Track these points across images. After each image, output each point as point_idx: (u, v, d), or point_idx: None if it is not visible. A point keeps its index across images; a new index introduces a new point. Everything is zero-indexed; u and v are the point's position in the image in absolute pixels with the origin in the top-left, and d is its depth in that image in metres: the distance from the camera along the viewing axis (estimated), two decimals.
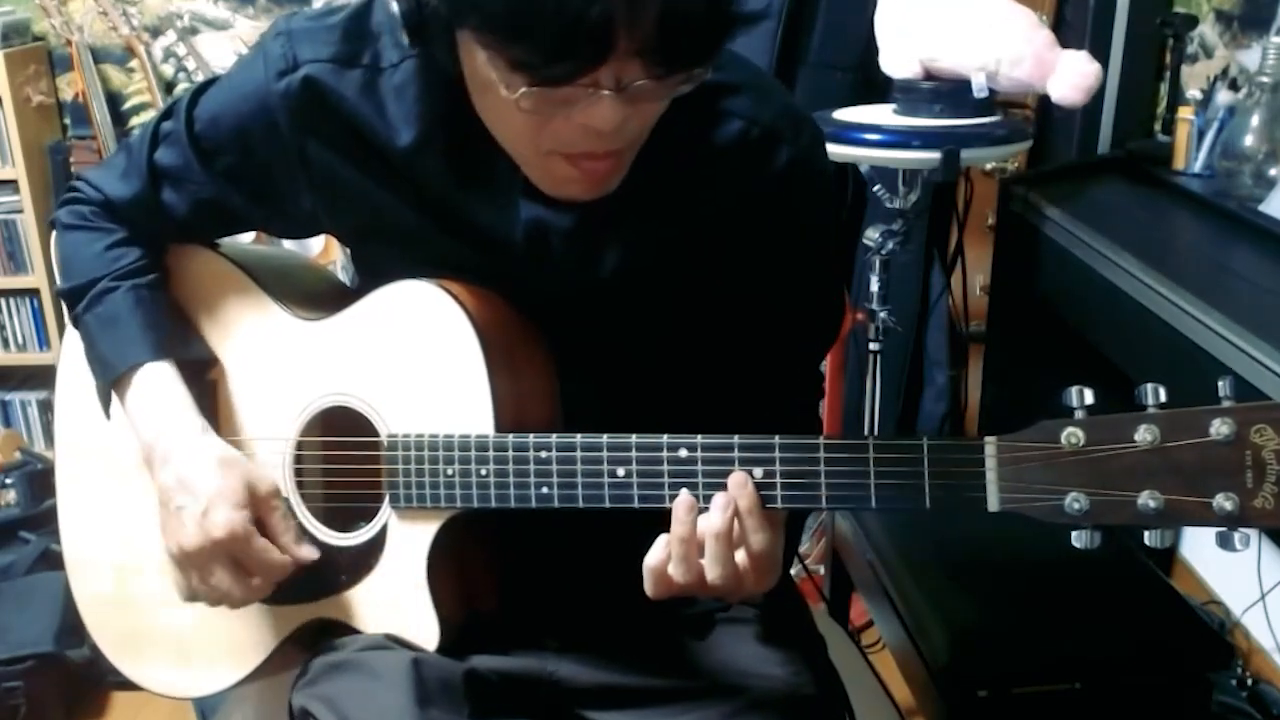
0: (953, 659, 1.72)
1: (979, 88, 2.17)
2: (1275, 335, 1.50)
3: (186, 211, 1.26)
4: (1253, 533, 0.92)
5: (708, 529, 1.03)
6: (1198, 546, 2.67)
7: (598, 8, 0.89)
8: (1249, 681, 2.37)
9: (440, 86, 1.12)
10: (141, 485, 1.32)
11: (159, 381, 1.24)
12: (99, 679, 2.57)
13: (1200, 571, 2.66)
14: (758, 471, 1.04)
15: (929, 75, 2.18)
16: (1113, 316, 1.93)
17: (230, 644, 1.30)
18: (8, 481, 2.92)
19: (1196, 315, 1.65)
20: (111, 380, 1.26)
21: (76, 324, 1.30)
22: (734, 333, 1.22)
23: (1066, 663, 1.70)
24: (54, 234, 1.34)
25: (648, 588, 1.08)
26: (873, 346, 2.43)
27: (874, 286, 2.38)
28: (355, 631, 1.22)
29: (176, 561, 1.20)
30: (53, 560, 2.71)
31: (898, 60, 2.18)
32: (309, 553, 1.20)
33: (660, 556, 1.06)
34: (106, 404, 1.29)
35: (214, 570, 1.17)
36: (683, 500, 1.05)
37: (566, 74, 0.94)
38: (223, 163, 1.22)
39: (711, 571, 1.04)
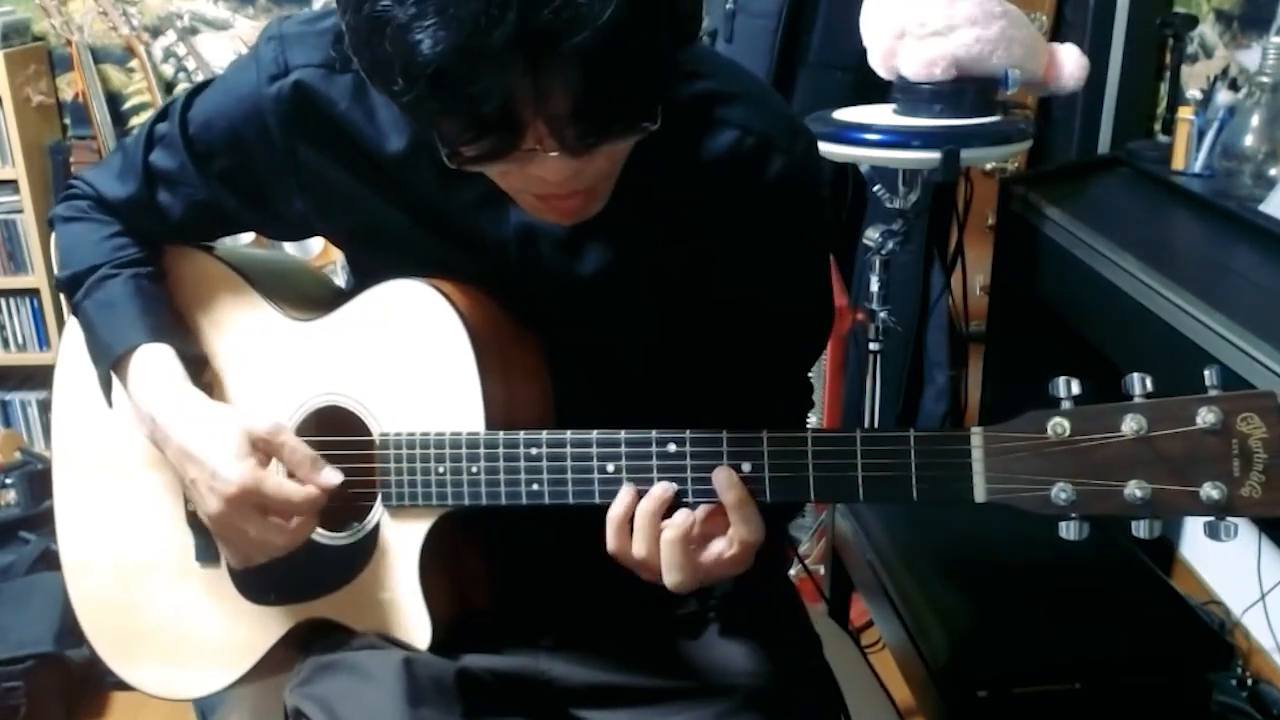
0: (953, 659, 1.71)
1: (1015, 83, 2.19)
2: (1275, 336, 1.50)
3: (182, 213, 1.26)
4: (1241, 522, 0.92)
5: (664, 537, 1.05)
6: (1198, 546, 2.66)
7: (494, 100, 0.87)
8: (1249, 681, 2.37)
9: None
10: (140, 485, 1.32)
11: (155, 362, 1.24)
12: (99, 679, 2.57)
13: (1200, 571, 2.66)
14: (745, 466, 1.04)
15: (959, 76, 2.18)
16: (1112, 316, 1.92)
17: (225, 645, 1.30)
18: (8, 481, 2.93)
19: (1196, 315, 1.65)
20: (111, 362, 1.25)
21: (76, 311, 1.30)
22: (725, 337, 1.22)
23: (1066, 663, 1.70)
24: (53, 229, 1.34)
25: (609, 541, 1.08)
26: (873, 346, 2.42)
27: (874, 286, 2.37)
28: (349, 631, 1.21)
29: (213, 531, 1.20)
30: (53, 560, 2.70)
31: (923, 61, 2.16)
32: (331, 477, 1.17)
33: (625, 504, 1.08)
34: (108, 390, 1.29)
35: (246, 526, 1.16)
36: (658, 487, 1.06)
37: (487, 153, 0.92)
38: (217, 165, 1.22)
39: (669, 576, 1.06)
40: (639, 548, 1.06)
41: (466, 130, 0.90)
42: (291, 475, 1.17)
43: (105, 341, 1.26)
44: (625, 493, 1.07)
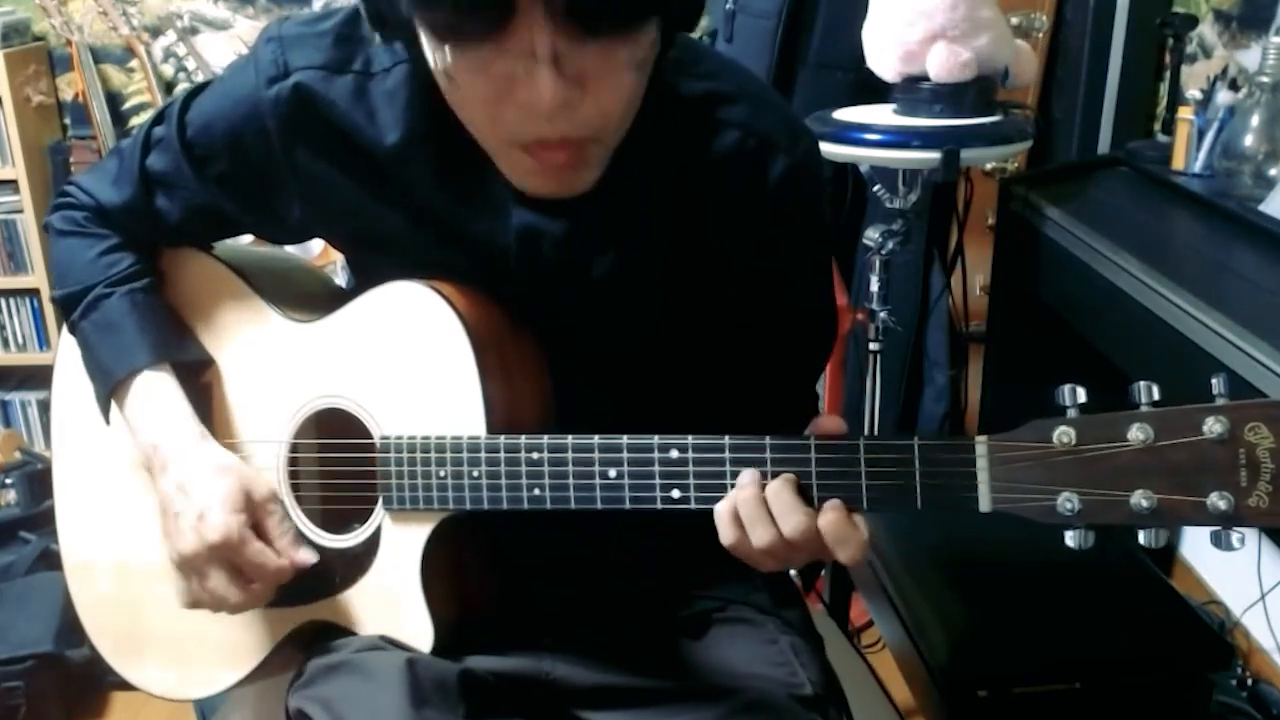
0: (953, 659, 1.72)
1: (1012, 80, 2.23)
2: (1276, 335, 1.50)
3: (179, 217, 1.26)
4: (1249, 532, 0.91)
5: (774, 483, 1.02)
6: (1198, 547, 2.67)
7: None
8: (1249, 681, 2.37)
9: (431, 94, 1.12)
10: (140, 486, 1.32)
11: (157, 388, 1.24)
12: (99, 679, 2.58)
13: (1200, 571, 2.66)
14: (761, 479, 1.03)
15: (977, 75, 2.20)
16: (1113, 316, 1.92)
17: (227, 646, 1.30)
18: (8, 481, 2.93)
19: (1197, 315, 1.65)
20: (110, 387, 1.26)
21: (73, 331, 1.30)
22: (727, 340, 1.22)
23: (1066, 663, 1.70)
24: (49, 237, 1.34)
25: (722, 535, 1.04)
26: (873, 346, 2.42)
27: (874, 286, 2.37)
28: (351, 633, 1.21)
29: (177, 567, 1.20)
30: (53, 560, 2.71)
31: (958, 64, 2.16)
32: (306, 556, 1.20)
33: (729, 503, 1.04)
34: (106, 410, 1.29)
35: (210, 574, 1.17)
36: (749, 473, 1.03)
37: (477, 29, 0.92)
38: (215, 169, 1.21)
39: (789, 522, 1.01)
40: (755, 535, 1.03)
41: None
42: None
43: (105, 365, 1.26)
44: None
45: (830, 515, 1.00)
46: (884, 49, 2.24)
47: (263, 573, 1.17)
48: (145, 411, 1.24)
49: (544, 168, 1.04)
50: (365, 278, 1.24)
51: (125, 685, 1.38)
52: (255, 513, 1.18)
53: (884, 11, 2.25)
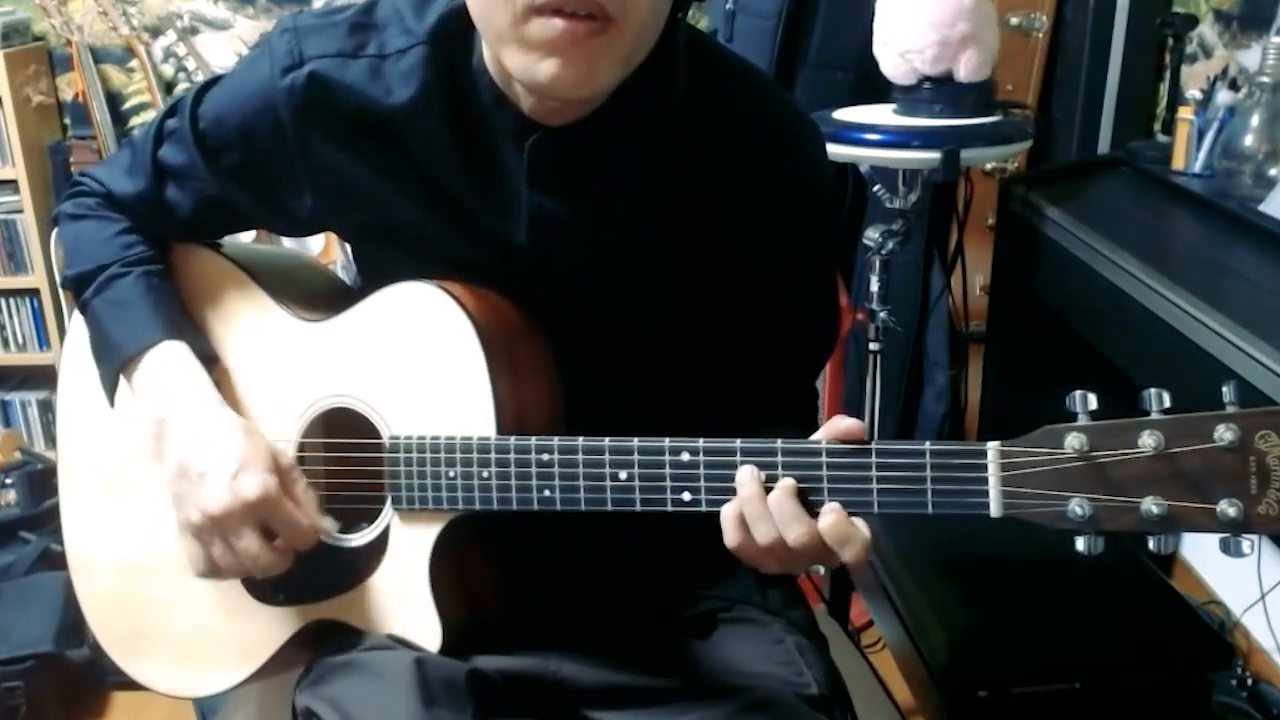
0: (953, 659, 1.72)
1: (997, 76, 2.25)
2: (1276, 336, 1.51)
3: (190, 209, 1.26)
4: (1256, 539, 0.92)
5: (775, 492, 1.02)
6: (1198, 547, 2.67)
7: None
8: (1249, 681, 2.37)
9: (447, 76, 1.12)
10: (145, 483, 1.32)
11: (174, 359, 1.23)
12: (99, 679, 2.58)
13: (1200, 571, 2.66)
14: (761, 475, 1.04)
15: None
16: (1113, 317, 1.93)
17: (234, 644, 1.30)
18: (8, 481, 2.92)
19: (1197, 315, 1.65)
20: (121, 362, 1.25)
21: (84, 310, 1.29)
22: (732, 336, 1.23)
23: (1066, 663, 1.71)
24: (57, 226, 1.34)
25: (726, 538, 1.05)
26: (873, 346, 2.43)
27: (874, 286, 2.37)
28: (359, 632, 1.21)
29: (196, 530, 1.17)
30: (53, 560, 2.72)
31: (984, 63, 2.17)
32: (330, 524, 1.19)
33: (735, 505, 1.04)
34: (111, 390, 1.28)
35: (242, 534, 1.15)
36: (746, 470, 1.03)
37: None
38: (227, 161, 1.22)
39: (792, 531, 1.01)
40: (759, 532, 1.03)
41: None
42: None
43: (116, 341, 1.25)
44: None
45: (830, 518, 1.01)
46: (912, 50, 2.21)
47: (294, 533, 1.16)
48: (158, 381, 1.23)
49: (563, 41, 1.01)
50: (372, 273, 1.25)
51: (125, 685, 1.38)
52: (282, 477, 1.17)
53: (911, 12, 2.24)
